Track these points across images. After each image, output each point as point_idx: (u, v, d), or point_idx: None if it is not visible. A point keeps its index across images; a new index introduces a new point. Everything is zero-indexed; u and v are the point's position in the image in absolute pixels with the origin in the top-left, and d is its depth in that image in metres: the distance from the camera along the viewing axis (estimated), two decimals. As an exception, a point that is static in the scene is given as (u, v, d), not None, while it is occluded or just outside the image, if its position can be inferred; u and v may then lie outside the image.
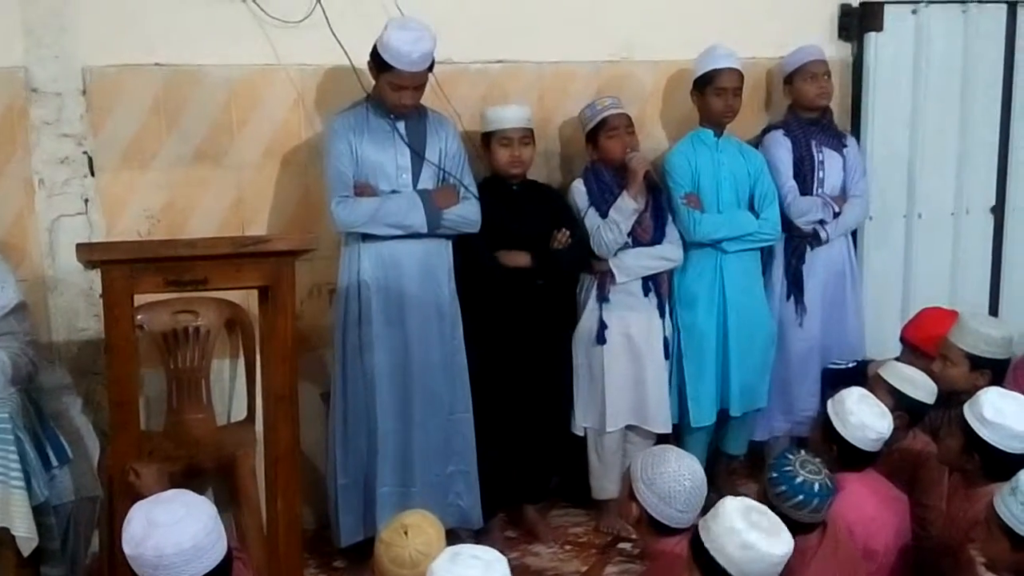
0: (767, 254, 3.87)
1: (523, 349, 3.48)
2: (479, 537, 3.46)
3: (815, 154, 3.87)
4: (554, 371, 3.59)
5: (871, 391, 2.89)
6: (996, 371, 3.11)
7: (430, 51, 3.15)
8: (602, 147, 3.59)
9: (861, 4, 4.15)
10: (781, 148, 3.85)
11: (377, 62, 3.18)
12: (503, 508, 3.66)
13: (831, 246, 3.88)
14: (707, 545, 2.12)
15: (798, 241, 3.85)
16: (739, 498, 2.19)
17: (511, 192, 3.50)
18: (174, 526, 1.96)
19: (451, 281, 3.36)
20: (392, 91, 3.18)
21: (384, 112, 3.26)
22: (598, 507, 3.77)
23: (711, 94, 3.69)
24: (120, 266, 2.50)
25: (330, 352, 3.40)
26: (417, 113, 3.33)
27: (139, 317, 3.17)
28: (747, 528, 2.09)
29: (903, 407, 2.98)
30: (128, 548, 1.97)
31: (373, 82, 3.27)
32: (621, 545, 3.57)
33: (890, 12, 4.12)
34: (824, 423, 2.80)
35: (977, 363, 3.09)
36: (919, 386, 3.02)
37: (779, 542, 2.11)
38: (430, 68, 3.21)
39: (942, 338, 3.19)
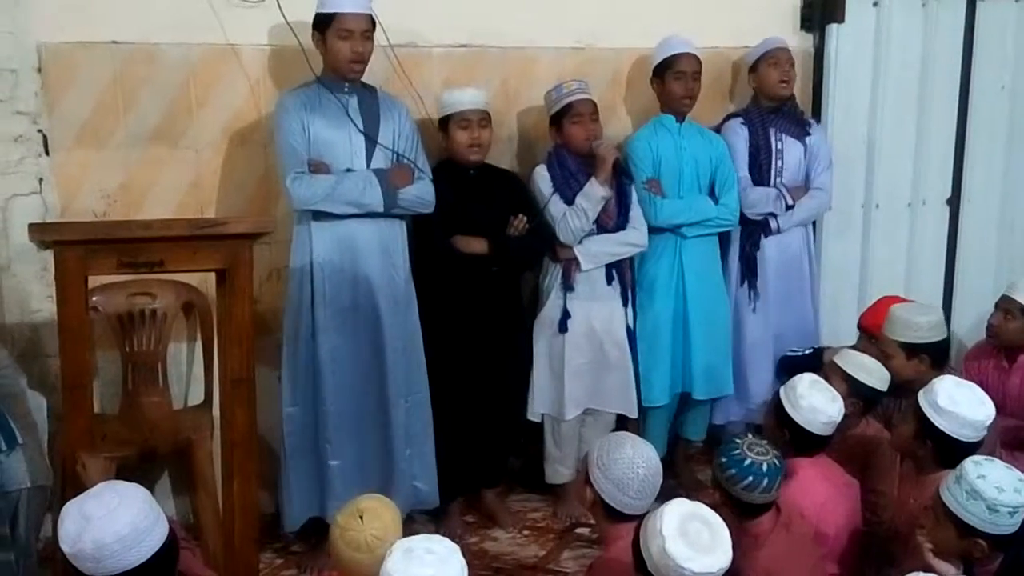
0: (724, 240, 3.90)
1: (479, 335, 3.47)
2: (438, 522, 3.47)
3: (773, 143, 3.89)
4: (510, 357, 3.59)
5: (826, 378, 2.93)
6: (934, 354, 3.20)
7: None
8: (566, 132, 3.57)
9: (823, -5, 4.18)
10: (737, 137, 3.88)
11: (319, 23, 3.16)
12: (462, 493, 3.66)
13: (788, 234, 3.92)
14: (639, 539, 2.13)
15: (752, 228, 3.89)
16: (688, 503, 2.15)
17: (468, 177, 3.47)
18: (109, 515, 1.95)
19: (406, 262, 3.34)
20: (342, 45, 3.14)
21: (336, 90, 3.22)
22: (556, 493, 3.79)
23: (671, 79, 3.71)
24: (73, 247, 2.47)
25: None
26: (369, 93, 3.30)
27: (94, 299, 3.13)
28: (674, 536, 2.04)
29: (857, 394, 3.03)
30: (67, 547, 1.95)
31: (321, 66, 3.25)
32: (579, 530, 3.63)
33: (852, 4, 4.16)
34: (776, 407, 2.85)
35: (912, 350, 3.18)
36: (873, 373, 3.07)
37: (705, 559, 2.02)
38: (373, 27, 3.19)
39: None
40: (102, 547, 1.92)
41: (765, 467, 2.46)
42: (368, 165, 3.25)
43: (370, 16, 3.18)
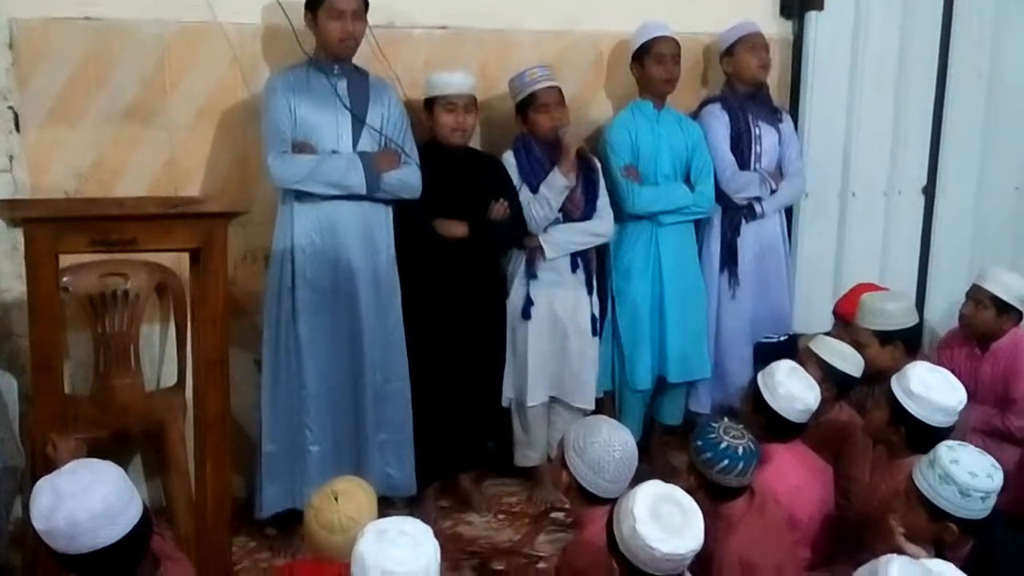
0: (703, 227, 3.91)
1: (458, 318, 3.46)
2: (412, 506, 3.46)
3: (752, 128, 3.90)
4: (489, 341, 3.58)
5: (801, 364, 2.95)
6: (907, 341, 3.24)
7: None
8: (531, 121, 3.55)
9: (802, -18, 4.18)
10: (719, 122, 3.87)
11: (312, 4, 3.15)
12: (438, 478, 3.65)
13: (765, 221, 3.94)
14: (612, 519, 2.14)
15: (734, 214, 3.89)
16: (662, 485, 2.15)
17: (451, 159, 3.45)
18: (82, 492, 1.92)
19: (390, 247, 3.32)
20: (333, 24, 3.13)
21: (325, 72, 3.21)
22: (532, 477, 3.79)
23: (651, 63, 3.70)
24: (44, 224, 2.43)
25: (263, 318, 3.35)
26: (359, 76, 3.29)
27: (65, 279, 3.10)
28: (644, 517, 2.04)
29: (831, 380, 3.05)
30: (39, 523, 1.93)
31: (312, 46, 3.22)
32: (554, 515, 3.63)
33: (830, -9, 4.16)
34: (753, 394, 2.86)
35: (884, 338, 3.22)
36: (848, 360, 3.09)
37: (675, 540, 2.02)
38: (366, 8, 3.19)
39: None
40: (75, 524, 1.90)
41: (741, 451, 2.47)
42: (354, 148, 3.23)
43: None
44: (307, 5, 3.18)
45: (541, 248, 3.56)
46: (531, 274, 3.58)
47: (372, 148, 3.26)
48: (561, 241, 3.58)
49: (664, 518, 2.05)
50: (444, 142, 3.43)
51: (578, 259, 3.64)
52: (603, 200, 3.66)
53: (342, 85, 3.23)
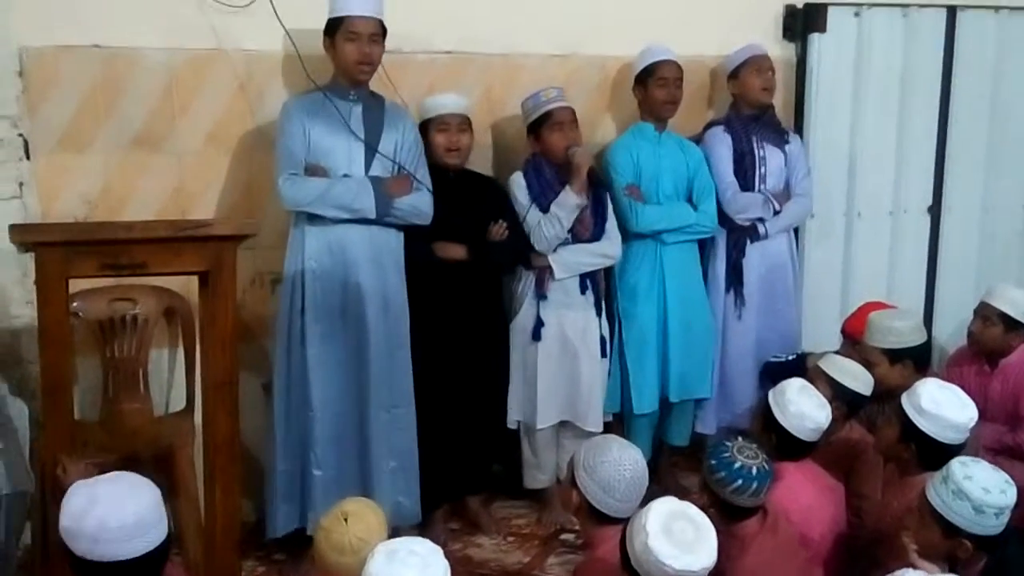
0: (708, 247, 3.91)
1: (460, 341, 3.46)
2: (421, 529, 3.45)
3: (756, 150, 3.91)
4: (492, 363, 3.58)
5: (811, 382, 2.94)
6: (916, 358, 3.24)
7: None
8: (544, 141, 3.57)
9: (805, 5, 4.21)
10: (721, 144, 3.89)
11: (330, 27, 3.18)
12: (446, 500, 3.64)
13: (772, 241, 3.94)
14: (626, 535, 2.13)
15: (739, 234, 3.90)
16: (675, 502, 2.14)
17: (448, 181, 3.45)
18: (118, 501, 1.93)
19: (400, 272, 3.32)
20: (349, 47, 3.15)
21: (342, 96, 3.23)
22: (540, 499, 3.78)
23: (654, 86, 3.72)
24: (54, 248, 2.45)
25: (272, 342, 3.35)
26: (375, 101, 3.31)
27: (75, 304, 3.10)
28: (657, 532, 2.04)
29: (841, 398, 3.04)
30: (68, 521, 1.93)
31: (325, 74, 3.25)
32: (563, 536, 3.61)
33: (833, 14, 4.18)
34: (764, 412, 2.85)
35: (894, 356, 3.22)
36: (858, 378, 3.09)
37: (687, 557, 2.02)
38: (383, 34, 3.21)
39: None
40: (103, 530, 1.90)
41: (755, 470, 2.46)
42: (366, 174, 3.25)
43: (379, 21, 3.20)
44: (326, 30, 3.20)
45: (550, 268, 3.56)
46: (541, 295, 3.58)
47: (384, 174, 3.27)
48: (570, 262, 3.59)
49: (677, 534, 2.04)
50: (440, 163, 3.45)
51: (587, 280, 3.64)
52: (612, 222, 3.67)
53: (357, 110, 3.25)
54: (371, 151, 3.25)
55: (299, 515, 3.29)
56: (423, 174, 3.33)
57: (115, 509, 1.92)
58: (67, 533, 1.94)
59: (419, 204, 3.28)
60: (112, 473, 2.05)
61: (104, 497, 1.94)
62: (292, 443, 3.27)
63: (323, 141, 3.20)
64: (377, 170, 3.26)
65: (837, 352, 3.49)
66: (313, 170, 3.18)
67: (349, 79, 3.23)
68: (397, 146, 3.30)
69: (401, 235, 3.32)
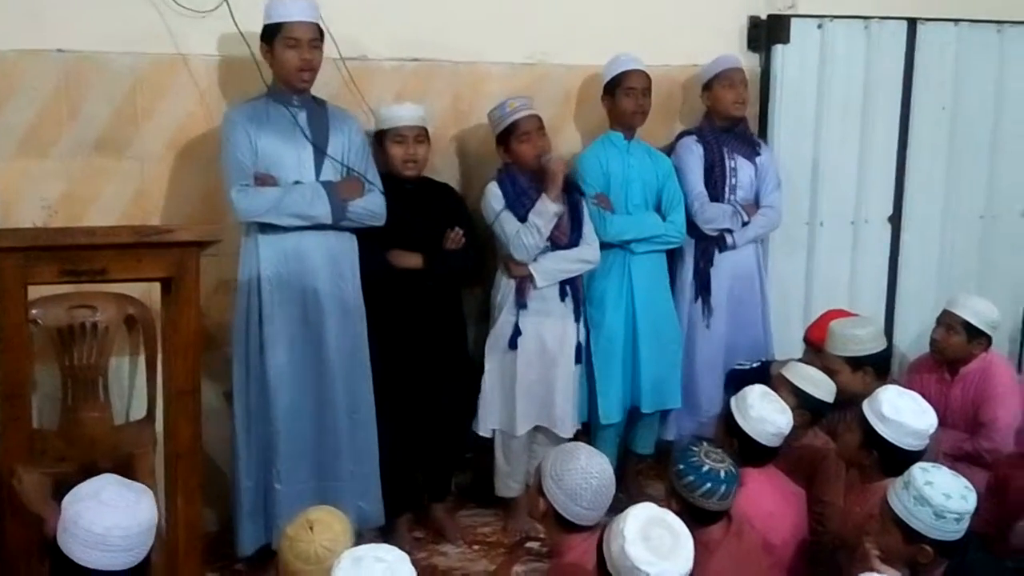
0: (676, 256, 3.94)
1: (420, 349, 3.45)
2: (385, 537, 3.42)
3: (727, 161, 3.93)
4: (453, 371, 3.57)
5: (774, 390, 2.96)
6: (877, 365, 3.27)
7: None
8: (514, 151, 3.57)
9: (769, 17, 4.26)
10: (692, 154, 3.91)
11: (267, 34, 3.15)
12: (409, 508, 3.62)
13: (740, 251, 3.96)
14: (603, 541, 2.13)
15: (706, 244, 3.92)
16: (654, 508, 2.14)
17: (405, 190, 3.45)
18: (126, 509, 1.93)
19: (356, 276, 3.31)
20: (291, 54, 3.12)
21: (284, 102, 3.20)
22: (506, 507, 3.77)
23: (621, 95, 3.74)
24: (13, 254, 2.41)
25: (232, 350, 3.32)
26: (318, 106, 3.28)
27: (33, 312, 3.04)
28: (634, 538, 2.04)
29: (804, 406, 3.07)
30: (67, 517, 1.91)
31: (271, 78, 3.23)
32: (529, 544, 3.59)
33: (796, 25, 4.24)
34: (726, 418, 2.87)
35: (855, 363, 3.25)
36: (819, 385, 3.12)
37: (663, 564, 2.01)
38: (321, 37, 3.19)
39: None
40: (101, 536, 1.90)
41: (723, 474, 2.47)
42: (317, 179, 3.22)
43: (317, 25, 3.17)
44: (263, 36, 3.16)
45: (531, 277, 3.56)
46: (521, 304, 3.58)
47: (335, 178, 3.25)
48: (551, 269, 3.59)
49: (654, 540, 2.04)
50: (396, 174, 3.44)
51: (566, 287, 3.64)
52: (588, 227, 3.67)
53: (302, 116, 3.23)
54: (320, 155, 3.23)
55: (264, 530, 3.26)
56: (372, 174, 3.32)
57: (122, 517, 1.92)
58: (62, 531, 1.93)
59: (372, 206, 3.27)
60: (111, 478, 2.03)
61: (111, 502, 1.93)
62: (254, 457, 3.24)
63: (270, 149, 3.17)
64: (328, 175, 3.24)
65: (800, 360, 3.52)
66: (262, 180, 3.15)
67: (290, 86, 3.19)
68: (344, 149, 3.28)
69: (355, 239, 3.31)
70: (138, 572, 1.98)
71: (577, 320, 3.68)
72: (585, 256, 3.65)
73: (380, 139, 3.46)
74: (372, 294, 3.37)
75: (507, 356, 3.60)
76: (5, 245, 2.43)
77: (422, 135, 3.46)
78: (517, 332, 3.58)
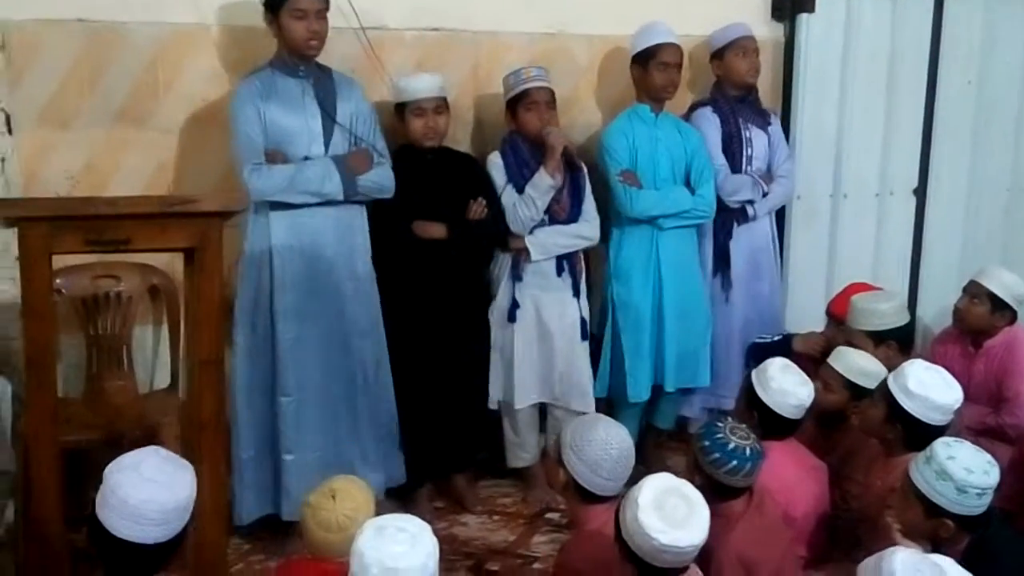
0: (697, 231, 3.89)
1: (441, 320, 3.45)
2: (407, 507, 3.45)
3: (743, 131, 3.89)
4: (473, 342, 3.57)
5: (823, 383, 2.95)
6: (900, 339, 3.26)
7: None
8: (520, 119, 3.54)
9: (794, -15, 4.20)
10: (710, 125, 3.87)
11: (272, 4, 3.12)
12: (431, 478, 3.64)
13: (756, 224, 3.93)
14: (620, 510, 2.13)
15: (726, 217, 3.88)
16: (672, 479, 2.14)
17: (426, 161, 3.44)
18: (165, 483, 1.95)
19: (367, 247, 3.31)
20: (298, 25, 3.10)
21: (291, 72, 3.19)
22: (525, 478, 3.78)
23: (655, 68, 3.67)
24: (38, 224, 2.41)
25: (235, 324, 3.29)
26: (324, 74, 3.27)
27: (57, 282, 3.07)
28: (648, 506, 2.04)
29: (856, 397, 3.04)
30: (108, 484, 1.93)
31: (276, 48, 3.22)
32: (549, 515, 3.62)
33: (822, -6, 4.18)
34: (747, 390, 2.87)
35: (878, 338, 3.23)
36: (871, 375, 3.04)
37: (676, 532, 2.01)
38: (327, 6, 3.16)
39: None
40: (141, 507, 1.91)
41: (748, 451, 2.47)
42: (327, 150, 3.22)
43: None
44: (266, 5, 3.14)
45: (527, 250, 3.55)
46: (516, 276, 3.58)
47: (344, 148, 3.24)
48: (547, 243, 3.57)
49: (667, 509, 2.04)
50: (417, 145, 3.43)
51: (564, 262, 3.62)
52: (589, 203, 3.65)
53: (308, 86, 3.21)
54: (330, 126, 3.21)
55: (271, 501, 3.27)
56: (381, 145, 3.31)
57: (161, 492, 1.93)
58: (100, 497, 1.94)
59: (381, 179, 3.26)
60: (155, 449, 2.05)
61: (149, 475, 1.94)
62: (257, 427, 3.25)
63: (280, 121, 3.15)
64: (338, 145, 3.23)
65: (822, 333, 3.51)
66: (272, 156, 3.14)
67: (298, 55, 3.17)
68: (352, 117, 3.26)
69: (364, 210, 3.31)
70: (171, 547, 1.98)
71: (576, 295, 3.66)
72: (583, 232, 3.63)
73: (399, 111, 3.44)
74: (394, 264, 3.37)
75: (506, 329, 3.60)
76: (30, 215, 2.44)
77: (442, 106, 3.44)
78: (515, 305, 3.58)
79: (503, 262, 3.61)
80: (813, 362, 3.30)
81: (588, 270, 3.75)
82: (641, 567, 2.07)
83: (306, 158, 3.18)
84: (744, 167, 3.90)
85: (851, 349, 3.16)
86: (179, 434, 3.16)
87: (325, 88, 3.24)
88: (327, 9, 3.17)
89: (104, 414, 3.19)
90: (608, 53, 3.94)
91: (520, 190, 3.52)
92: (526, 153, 3.56)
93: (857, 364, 3.06)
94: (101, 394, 3.28)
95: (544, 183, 3.49)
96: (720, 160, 3.84)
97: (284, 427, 3.22)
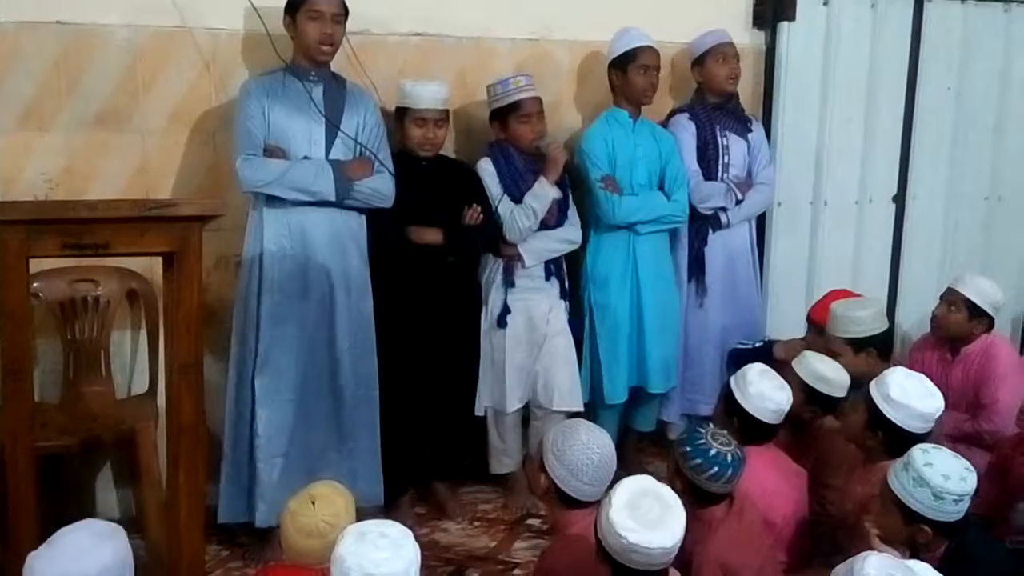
0: (671, 237, 3.91)
1: (433, 326, 3.44)
2: (389, 513, 3.43)
3: (719, 139, 3.90)
4: (464, 349, 3.58)
5: (785, 380, 2.94)
6: (879, 346, 3.26)
7: None
8: (512, 130, 3.55)
9: (775, -7, 4.22)
10: (685, 132, 3.88)
11: (290, 5, 3.14)
12: (412, 485, 3.63)
13: (733, 230, 3.94)
14: (598, 511, 2.13)
15: (701, 224, 3.89)
16: (650, 481, 2.13)
17: (421, 167, 3.44)
18: (76, 555, 1.89)
19: (362, 254, 3.30)
20: (312, 27, 3.12)
21: (301, 78, 3.20)
22: (507, 484, 3.78)
23: (634, 72, 3.68)
24: (15, 227, 2.38)
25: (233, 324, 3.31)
26: (336, 83, 3.27)
27: (35, 285, 3.05)
28: (620, 506, 2.04)
29: (814, 401, 3.05)
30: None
31: (288, 52, 3.22)
32: (530, 521, 3.62)
33: (802, 3, 4.19)
34: (726, 396, 2.88)
35: (858, 345, 3.24)
36: (833, 383, 3.06)
37: (648, 534, 2.00)
38: (345, 13, 3.18)
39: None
40: None
41: (730, 457, 2.47)
42: (327, 155, 3.21)
43: (342, 1, 3.17)
44: (286, 8, 3.16)
45: (520, 256, 3.55)
46: (509, 282, 3.58)
47: (346, 156, 3.24)
48: (539, 249, 3.59)
49: (641, 510, 2.03)
50: (412, 153, 3.43)
51: (551, 266, 3.65)
52: (572, 208, 3.69)
53: (318, 91, 3.22)
54: (332, 133, 3.21)
55: (246, 508, 3.25)
56: (385, 156, 3.30)
57: (69, 564, 1.87)
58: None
59: (380, 187, 3.25)
60: (77, 524, 2.00)
61: (64, 549, 1.89)
62: (242, 429, 3.24)
63: (283, 122, 3.16)
64: (339, 152, 3.23)
65: (802, 340, 3.53)
66: (272, 152, 3.14)
67: (310, 59, 3.19)
68: (359, 128, 3.26)
69: (363, 218, 3.29)
70: None
71: (563, 298, 3.68)
72: (569, 236, 3.67)
73: (399, 114, 3.43)
74: (389, 270, 3.36)
75: (496, 334, 3.61)
76: (7, 218, 2.41)
77: (443, 119, 3.44)
78: (506, 310, 3.58)
79: (493, 268, 3.61)
80: None
81: (567, 274, 3.77)
82: (615, 567, 2.07)
83: (305, 158, 3.18)
84: (720, 174, 3.90)
85: (815, 354, 3.17)
86: (156, 440, 3.15)
87: (334, 96, 3.24)
88: (344, 16, 3.18)
89: (81, 419, 3.18)
90: (587, 58, 3.95)
91: (515, 199, 3.52)
92: (519, 163, 3.57)
93: (817, 369, 3.07)
94: (78, 399, 3.26)
95: (547, 195, 3.51)
96: (693, 167, 3.85)
97: (258, 433, 3.20)
